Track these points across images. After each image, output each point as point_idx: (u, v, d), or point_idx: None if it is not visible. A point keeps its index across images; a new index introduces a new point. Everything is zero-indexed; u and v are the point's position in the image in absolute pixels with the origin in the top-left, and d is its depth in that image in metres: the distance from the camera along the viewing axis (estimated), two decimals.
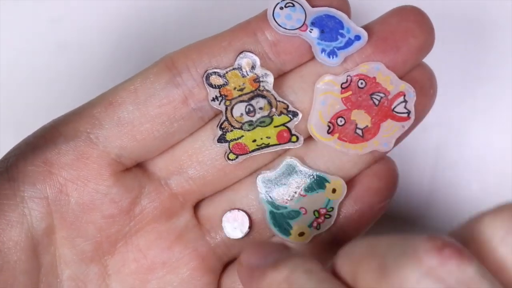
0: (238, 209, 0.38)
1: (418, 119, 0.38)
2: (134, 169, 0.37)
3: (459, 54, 0.50)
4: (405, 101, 0.36)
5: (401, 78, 0.36)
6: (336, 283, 0.28)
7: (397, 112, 0.37)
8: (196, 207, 0.38)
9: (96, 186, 0.35)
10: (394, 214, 0.50)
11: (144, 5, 0.48)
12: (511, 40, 0.49)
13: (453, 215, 0.51)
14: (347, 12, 0.36)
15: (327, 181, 0.37)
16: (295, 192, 0.37)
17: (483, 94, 0.50)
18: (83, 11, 0.48)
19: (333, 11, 0.35)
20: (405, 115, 0.37)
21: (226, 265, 0.39)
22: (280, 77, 0.37)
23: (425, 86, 0.37)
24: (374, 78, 0.36)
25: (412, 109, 0.36)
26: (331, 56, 0.36)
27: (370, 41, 0.36)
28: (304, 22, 0.35)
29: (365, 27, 0.36)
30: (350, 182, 0.38)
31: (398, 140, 0.37)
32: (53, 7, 0.48)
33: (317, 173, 0.37)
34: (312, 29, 0.35)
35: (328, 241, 0.38)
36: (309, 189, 0.37)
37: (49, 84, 0.49)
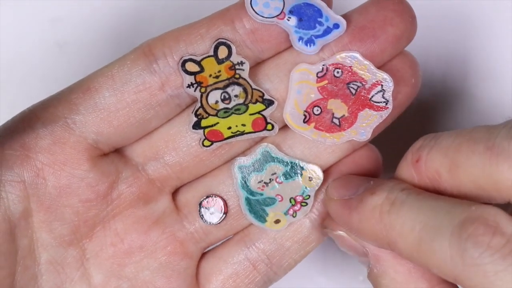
0: (215, 195, 0.38)
1: (399, 108, 0.38)
2: (112, 154, 0.37)
3: (460, 54, 0.49)
4: (383, 90, 0.36)
5: (380, 67, 0.36)
6: (428, 193, 0.32)
7: (375, 102, 0.37)
8: (175, 193, 0.39)
9: (73, 170, 0.36)
10: None
11: (144, 5, 0.48)
12: None
13: None
14: (328, 1, 0.36)
15: (303, 168, 0.37)
16: (271, 179, 0.37)
17: (484, 93, 0.50)
18: (83, 11, 0.49)
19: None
20: (383, 104, 0.37)
21: (204, 252, 0.39)
22: (257, 65, 0.37)
23: (406, 75, 0.37)
24: (351, 67, 0.36)
25: (390, 99, 0.36)
26: (308, 45, 0.36)
27: (348, 30, 0.36)
28: (282, 10, 0.35)
29: (344, 16, 0.36)
30: (328, 170, 0.38)
31: (377, 129, 0.37)
32: (53, 7, 0.49)
33: (294, 160, 0.37)
34: (290, 17, 0.36)
35: (307, 228, 0.38)
36: (285, 176, 0.37)
37: (49, 84, 0.49)
